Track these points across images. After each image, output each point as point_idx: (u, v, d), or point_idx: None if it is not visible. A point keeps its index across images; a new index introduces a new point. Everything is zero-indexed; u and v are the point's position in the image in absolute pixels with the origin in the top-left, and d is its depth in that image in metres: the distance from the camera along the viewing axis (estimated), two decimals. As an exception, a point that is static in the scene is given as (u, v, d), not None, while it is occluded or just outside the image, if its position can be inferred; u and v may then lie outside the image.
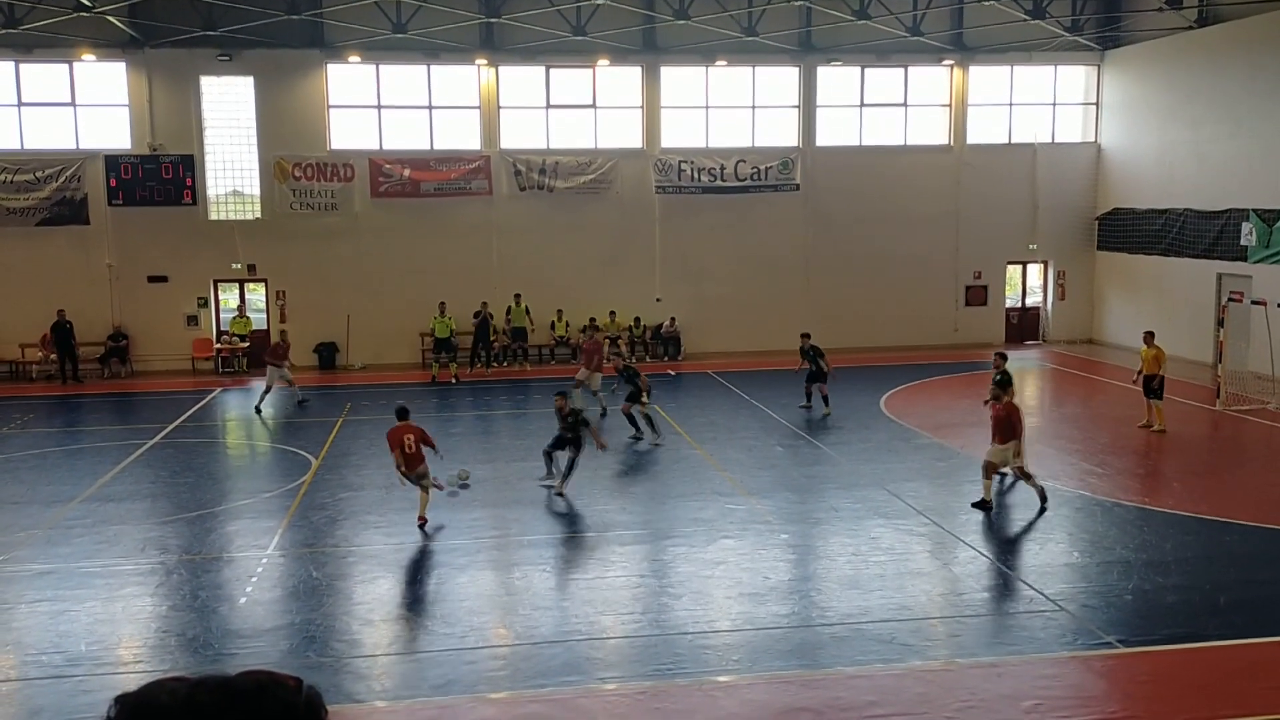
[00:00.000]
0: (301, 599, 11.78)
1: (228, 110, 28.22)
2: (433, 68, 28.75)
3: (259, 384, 23.42)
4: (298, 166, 28.23)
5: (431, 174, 28.79)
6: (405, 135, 28.97)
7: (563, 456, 15.98)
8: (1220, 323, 22.83)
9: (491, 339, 28.55)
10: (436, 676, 9.71)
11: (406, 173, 28.66)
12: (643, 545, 13.67)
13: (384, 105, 28.90)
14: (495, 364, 28.46)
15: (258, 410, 22.69)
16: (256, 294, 29.75)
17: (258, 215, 28.58)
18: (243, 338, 28.37)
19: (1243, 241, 25.78)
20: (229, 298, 29.35)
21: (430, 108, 29.02)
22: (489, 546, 13.85)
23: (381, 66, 28.60)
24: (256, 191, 28.56)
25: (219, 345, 28.37)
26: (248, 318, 28.91)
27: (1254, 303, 22.30)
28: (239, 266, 28.66)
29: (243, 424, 22.68)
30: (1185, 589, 11.88)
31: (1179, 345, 27.12)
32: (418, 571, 12.66)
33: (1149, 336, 20.01)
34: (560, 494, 15.64)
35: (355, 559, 13.28)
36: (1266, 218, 25.00)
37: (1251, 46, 25.44)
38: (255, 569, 12.77)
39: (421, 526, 14.16)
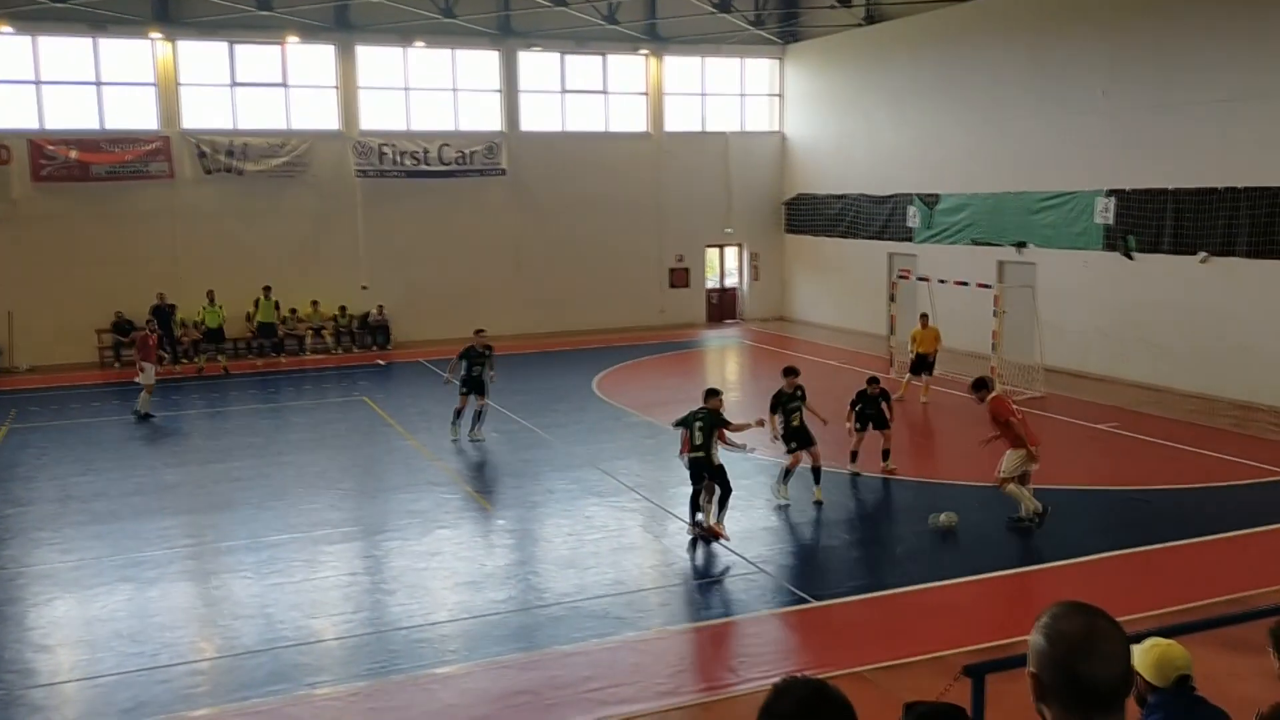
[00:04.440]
0: (-40, 631, 10.48)
1: None
2: (100, 41, 26.31)
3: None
4: (-60, 147, 25.05)
5: (103, 155, 26.38)
6: (71, 114, 26.37)
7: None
8: (892, 298, 24.98)
9: (179, 334, 26.60)
10: (125, 700, 8.92)
11: (73, 154, 26.10)
12: (353, 543, 13.21)
13: (44, 80, 26.16)
14: (183, 361, 26.44)
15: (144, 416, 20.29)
16: (-106, 291, 26.15)
17: (-109, 202, 25.16)
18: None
19: (909, 223, 28.28)
20: None
21: (99, 84, 26.56)
22: (182, 556, 12.89)
23: (40, 38, 25.86)
24: (-112, 175, 25.12)
25: None
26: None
27: (919, 279, 24.53)
28: None
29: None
30: (869, 543, 12.98)
31: (860, 320, 29.59)
32: (101, 589, 11.58)
33: (925, 319, 20.98)
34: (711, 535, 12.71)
35: (26, 580, 11.98)
36: (928, 201, 27.53)
37: (913, 43, 27.87)
38: (-99, 602, 11.24)
39: None
